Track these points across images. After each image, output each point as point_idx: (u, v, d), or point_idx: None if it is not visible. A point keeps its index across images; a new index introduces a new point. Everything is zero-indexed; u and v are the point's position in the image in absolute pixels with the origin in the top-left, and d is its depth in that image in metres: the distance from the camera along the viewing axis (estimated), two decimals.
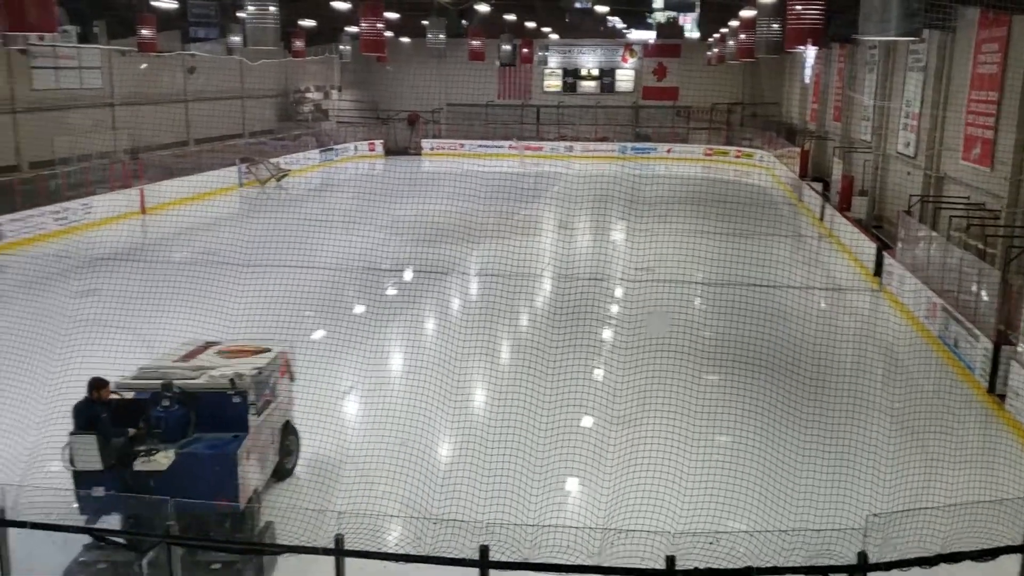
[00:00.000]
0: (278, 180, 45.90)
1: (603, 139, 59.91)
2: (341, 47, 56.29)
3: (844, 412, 15.69)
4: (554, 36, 62.00)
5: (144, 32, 37.56)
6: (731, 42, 45.76)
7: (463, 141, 59.89)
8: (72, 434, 11.12)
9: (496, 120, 62.18)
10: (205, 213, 35.79)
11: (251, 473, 11.81)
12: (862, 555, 8.69)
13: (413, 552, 9.35)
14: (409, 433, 14.58)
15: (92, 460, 10.97)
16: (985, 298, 19.29)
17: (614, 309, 23.13)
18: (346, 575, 9.10)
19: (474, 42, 45.65)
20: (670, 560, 8.60)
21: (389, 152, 60.21)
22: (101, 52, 40.52)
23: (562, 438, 13.88)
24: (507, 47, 54.90)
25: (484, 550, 8.81)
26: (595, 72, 65.40)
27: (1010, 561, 9.15)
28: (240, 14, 34.60)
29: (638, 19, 60.16)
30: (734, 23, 42.28)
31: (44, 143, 36.42)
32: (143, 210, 36.89)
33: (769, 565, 8.75)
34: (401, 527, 11.13)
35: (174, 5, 36.87)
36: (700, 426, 15.03)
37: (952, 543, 8.94)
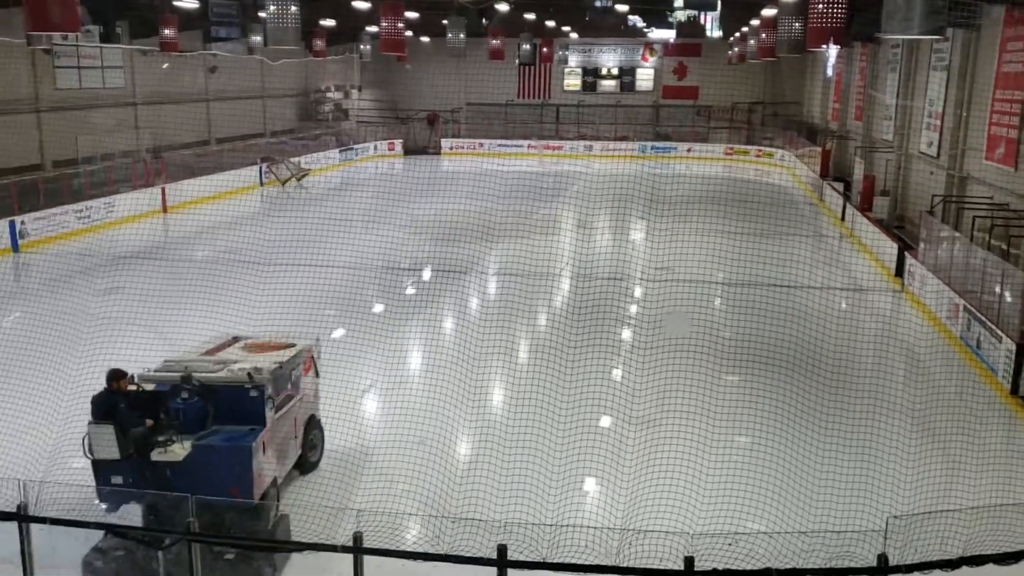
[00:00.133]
0: (299, 179, 46.05)
1: (623, 138, 59.78)
2: (361, 46, 56.53)
3: (865, 413, 15.61)
4: (574, 35, 62.04)
5: (166, 32, 37.84)
6: (752, 41, 45.60)
7: (482, 140, 59.86)
8: (91, 424, 11.30)
9: (515, 119, 62.15)
10: (226, 212, 35.96)
11: (267, 466, 11.92)
12: (882, 557, 8.64)
13: (431, 551, 9.34)
14: (428, 431, 14.59)
15: (110, 449, 11.17)
16: (1008, 299, 19.15)
17: (633, 309, 23.08)
18: (364, 573, 9.13)
19: (494, 41, 45.68)
20: (688, 561, 8.58)
21: (408, 151, 60.29)
22: (123, 52, 40.80)
23: (580, 438, 13.85)
24: (527, 46, 54.97)
25: (502, 549, 8.81)
26: (615, 71, 65.29)
27: None
28: (261, 14, 34.77)
29: (659, 18, 60.27)
30: (755, 22, 42.17)
31: (67, 142, 36.66)
32: (165, 209, 37.09)
33: (788, 567, 8.71)
34: (419, 526, 11.13)
35: (195, 5, 37.11)
36: (719, 427, 14.99)
37: (974, 546, 8.87)
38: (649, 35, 64.40)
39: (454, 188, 42.62)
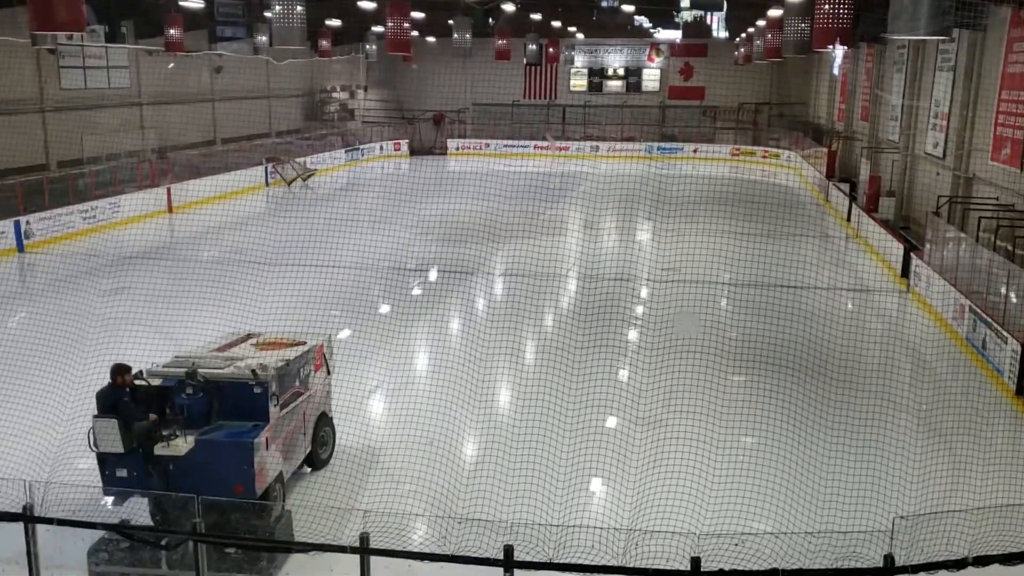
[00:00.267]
0: (304, 179, 46.08)
1: (629, 139, 59.79)
2: (367, 46, 56.57)
3: (871, 414, 15.60)
4: (580, 35, 62.00)
5: (171, 31, 37.93)
6: (758, 42, 45.60)
7: (489, 141, 59.87)
8: (95, 417, 11.42)
9: (522, 120, 62.16)
10: (232, 212, 35.97)
11: (271, 461, 12.01)
12: (889, 558, 8.64)
13: (438, 551, 9.35)
14: (434, 432, 14.60)
15: (114, 443, 11.29)
16: (1014, 300, 19.12)
17: (639, 310, 23.07)
18: (371, 573, 9.13)
19: (500, 41, 45.70)
20: (695, 561, 8.58)
21: (414, 152, 60.31)
22: (129, 51, 40.86)
23: (587, 438, 13.84)
24: (533, 46, 55.02)
25: (509, 550, 8.81)
26: (621, 72, 65.30)
27: None
28: (266, 13, 34.83)
29: (665, 18, 60.26)
30: (761, 23, 42.15)
31: (72, 142, 36.69)
32: (170, 209, 37.14)
33: (795, 567, 8.72)
34: (426, 526, 11.14)
35: (201, 5, 37.17)
36: (726, 427, 14.99)
37: (980, 546, 8.86)
38: (655, 35, 64.37)
39: (460, 188, 42.61)
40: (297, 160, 47.76)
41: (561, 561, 8.87)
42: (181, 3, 36.42)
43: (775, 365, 18.07)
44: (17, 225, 29.61)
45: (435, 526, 10.93)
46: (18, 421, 14.35)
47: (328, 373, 14.26)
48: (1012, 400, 17.47)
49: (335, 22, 45.48)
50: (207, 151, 46.16)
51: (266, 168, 45.38)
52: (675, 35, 64.47)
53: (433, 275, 27.09)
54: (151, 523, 11.31)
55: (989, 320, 19.39)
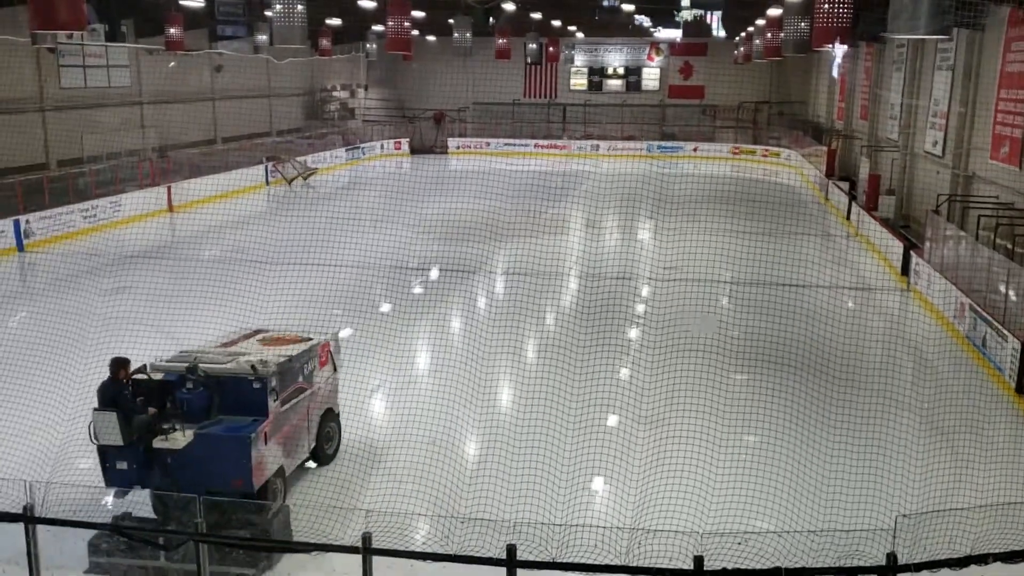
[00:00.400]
0: (305, 178, 46.07)
1: (630, 138, 59.80)
2: (367, 45, 56.54)
3: (872, 412, 15.58)
4: (580, 35, 62.02)
5: (171, 30, 37.90)
6: (758, 41, 45.59)
7: (489, 140, 59.90)
8: (95, 411, 11.54)
9: (522, 119, 62.16)
10: (232, 211, 35.98)
11: (270, 456, 12.08)
12: (891, 556, 8.64)
13: (440, 551, 9.36)
14: (436, 431, 14.61)
15: (114, 436, 11.42)
16: (1014, 298, 19.13)
17: (641, 308, 23.07)
18: (373, 573, 9.14)
19: (500, 40, 45.65)
20: (698, 560, 8.58)
21: (415, 151, 60.29)
22: (129, 50, 40.86)
23: (589, 437, 13.85)
24: (533, 45, 55.02)
25: (511, 549, 8.81)
26: (621, 71, 65.29)
27: None
28: (267, 12, 34.81)
29: (665, 18, 60.30)
30: (761, 22, 42.15)
31: (73, 141, 36.70)
32: (171, 208, 37.13)
33: (798, 566, 8.71)
34: (428, 526, 11.15)
35: (201, 4, 37.14)
36: (728, 426, 14.98)
37: (982, 544, 8.88)
38: (655, 35, 64.42)
39: (461, 187, 42.60)
40: (298, 159, 47.75)
41: (564, 560, 8.87)
42: (181, 2, 36.40)
43: (777, 363, 18.08)
44: (17, 224, 29.60)
45: (437, 526, 10.94)
46: (18, 421, 14.33)
47: (335, 370, 14.33)
48: (1013, 398, 17.48)
49: (335, 21, 45.45)
50: (208, 150, 46.16)
51: (267, 167, 45.37)
52: (675, 34, 64.52)
53: (435, 274, 27.08)
54: (153, 515, 11.36)
55: (989, 318, 19.40)
